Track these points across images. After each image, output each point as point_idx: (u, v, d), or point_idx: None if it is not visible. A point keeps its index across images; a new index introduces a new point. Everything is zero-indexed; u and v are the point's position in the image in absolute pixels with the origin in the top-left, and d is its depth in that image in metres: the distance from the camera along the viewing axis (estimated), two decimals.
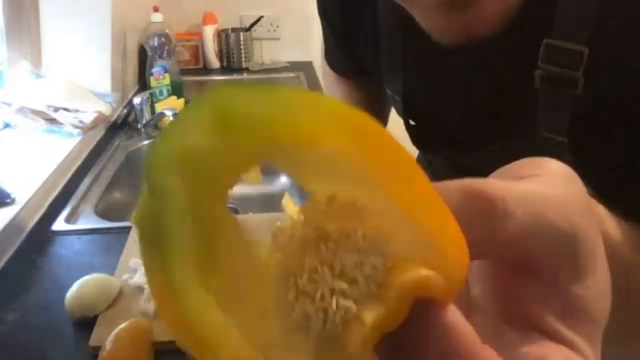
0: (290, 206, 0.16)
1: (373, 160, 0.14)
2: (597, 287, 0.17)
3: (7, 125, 1.20)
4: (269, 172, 1.37)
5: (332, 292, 0.14)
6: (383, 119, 0.79)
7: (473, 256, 0.15)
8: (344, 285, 0.14)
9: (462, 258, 0.15)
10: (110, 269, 0.76)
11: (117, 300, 0.70)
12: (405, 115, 0.61)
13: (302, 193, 0.88)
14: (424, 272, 0.14)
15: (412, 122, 0.61)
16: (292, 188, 1.18)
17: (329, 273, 0.14)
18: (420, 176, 0.15)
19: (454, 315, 0.15)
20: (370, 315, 0.14)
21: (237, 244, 0.14)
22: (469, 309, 0.19)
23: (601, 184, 0.31)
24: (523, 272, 0.17)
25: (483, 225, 0.16)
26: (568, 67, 0.43)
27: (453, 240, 0.15)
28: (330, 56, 0.82)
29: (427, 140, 0.60)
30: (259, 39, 2.01)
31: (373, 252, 0.14)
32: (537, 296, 0.17)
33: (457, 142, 0.56)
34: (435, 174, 0.68)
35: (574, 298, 0.17)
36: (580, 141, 0.45)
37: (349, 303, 0.14)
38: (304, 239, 0.15)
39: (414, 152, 0.70)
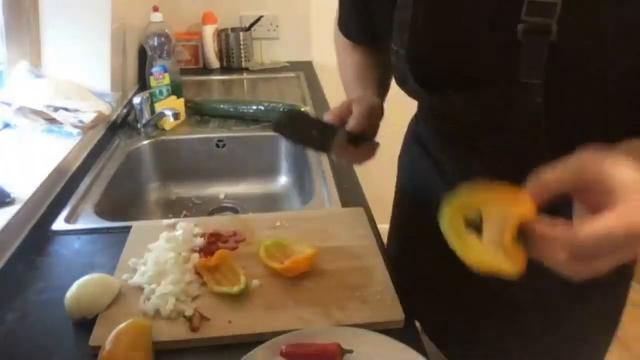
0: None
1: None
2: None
3: (7, 125, 1.20)
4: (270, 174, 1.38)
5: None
6: (388, 82, 0.86)
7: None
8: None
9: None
10: (110, 269, 0.76)
11: (117, 300, 0.70)
12: (409, 61, 0.67)
13: None
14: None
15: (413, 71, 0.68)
16: None
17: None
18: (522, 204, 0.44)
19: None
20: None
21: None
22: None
23: (572, 125, 0.59)
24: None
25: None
26: (545, 16, 0.52)
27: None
28: (345, 22, 0.87)
29: (428, 80, 0.67)
30: (259, 39, 2.01)
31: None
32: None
33: (455, 82, 0.63)
34: (443, 115, 0.76)
35: None
36: (554, 85, 0.54)
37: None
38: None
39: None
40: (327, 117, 0.71)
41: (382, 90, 0.83)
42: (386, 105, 0.79)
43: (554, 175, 0.43)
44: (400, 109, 0.96)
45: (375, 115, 0.73)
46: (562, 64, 0.53)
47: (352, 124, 0.69)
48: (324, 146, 0.70)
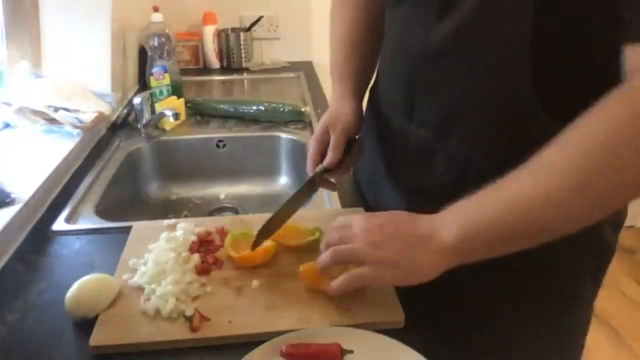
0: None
1: None
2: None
3: (7, 125, 1.20)
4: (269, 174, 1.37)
5: None
6: (374, 61, 0.90)
7: None
8: None
9: None
10: (110, 269, 0.76)
11: (117, 300, 0.70)
12: None
13: None
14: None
15: None
16: None
17: None
18: None
19: None
20: None
21: None
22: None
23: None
24: None
25: None
26: None
27: None
28: None
29: None
30: (259, 39, 2.01)
31: None
32: None
33: None
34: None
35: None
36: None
37: None
38: None
39: None
40: (309, 163, 0.82)
41: (366, 75, 0.88)
42: None
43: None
44: None
45: (351, 131, 0.82)
46: None
47: (327, 160, 0.80)
48: (310, 193, 0.84)
